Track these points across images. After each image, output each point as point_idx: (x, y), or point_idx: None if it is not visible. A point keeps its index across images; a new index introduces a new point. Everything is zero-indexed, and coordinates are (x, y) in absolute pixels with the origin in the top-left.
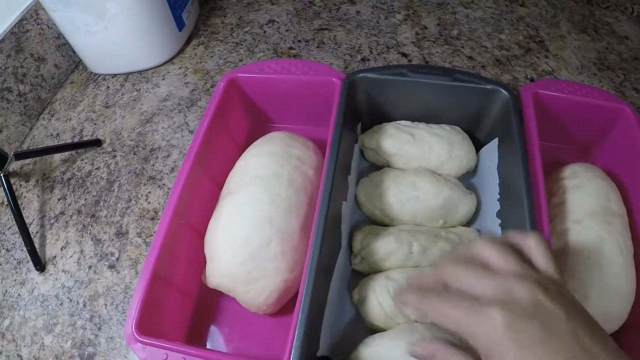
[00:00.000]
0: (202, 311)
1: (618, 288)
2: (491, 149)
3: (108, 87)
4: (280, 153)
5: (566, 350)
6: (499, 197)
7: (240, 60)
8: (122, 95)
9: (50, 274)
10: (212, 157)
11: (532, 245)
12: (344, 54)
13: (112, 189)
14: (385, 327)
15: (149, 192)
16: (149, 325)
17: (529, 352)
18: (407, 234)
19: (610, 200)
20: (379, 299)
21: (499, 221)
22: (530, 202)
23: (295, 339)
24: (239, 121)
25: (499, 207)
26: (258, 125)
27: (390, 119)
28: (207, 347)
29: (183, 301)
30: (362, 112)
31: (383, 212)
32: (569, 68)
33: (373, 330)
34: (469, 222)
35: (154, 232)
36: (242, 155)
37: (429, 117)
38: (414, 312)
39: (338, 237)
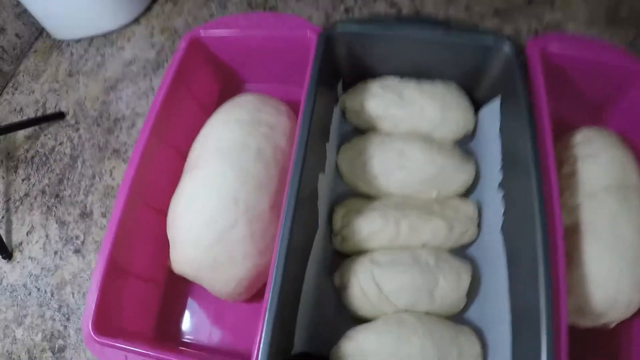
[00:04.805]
0: (172, 298)
1: (633, 272)
2: (492, 109)
3: (72, 53)
4: (248, 120)
5: None
6: (501, 164)
7: (211, 16)
8: (85, 61)
9: (18, 262)
10: (175, 127)
11: None
12: (325, 5)
13: (76, 165)
14: (370, 317)
15: (113, 167)
16: (110, 321)
17: None
18: (394, 210)
19: (627, 171)
20: (362, 285)
21: (502, 193)
22: (539, 172)
23: (263, 335)
24: (207, 84)
25: (501, 177)
26: (230, 87)
27: (375, 74)
28: (179, 337)
29: (149, 290)
30: (342, 69)
31: (367, 184)
32: (576, 21)
33: (357, 319)
34: (467, 192)
35: None
36: (206, 123)
37: (420, 72)
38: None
39: (314, 215)
